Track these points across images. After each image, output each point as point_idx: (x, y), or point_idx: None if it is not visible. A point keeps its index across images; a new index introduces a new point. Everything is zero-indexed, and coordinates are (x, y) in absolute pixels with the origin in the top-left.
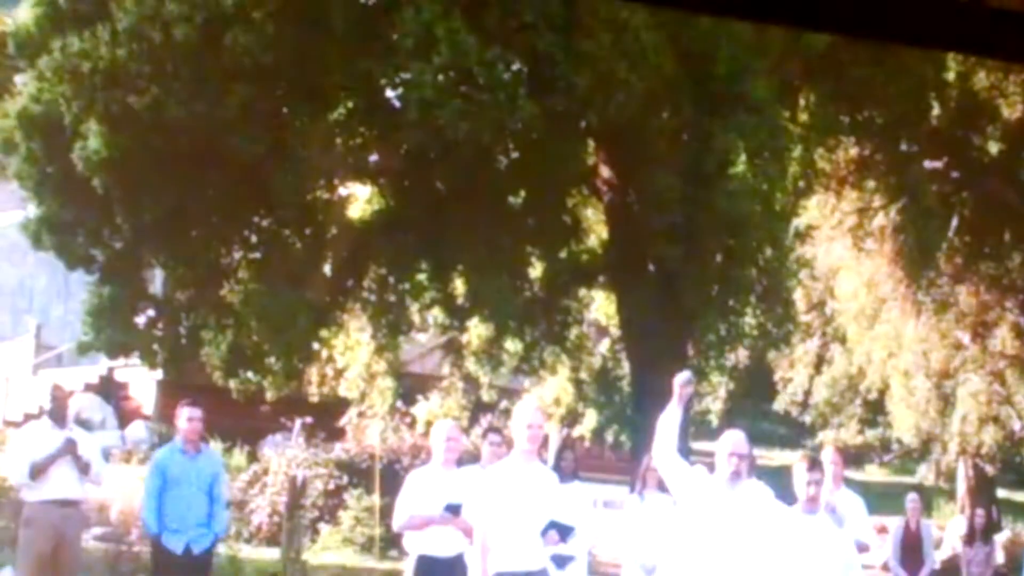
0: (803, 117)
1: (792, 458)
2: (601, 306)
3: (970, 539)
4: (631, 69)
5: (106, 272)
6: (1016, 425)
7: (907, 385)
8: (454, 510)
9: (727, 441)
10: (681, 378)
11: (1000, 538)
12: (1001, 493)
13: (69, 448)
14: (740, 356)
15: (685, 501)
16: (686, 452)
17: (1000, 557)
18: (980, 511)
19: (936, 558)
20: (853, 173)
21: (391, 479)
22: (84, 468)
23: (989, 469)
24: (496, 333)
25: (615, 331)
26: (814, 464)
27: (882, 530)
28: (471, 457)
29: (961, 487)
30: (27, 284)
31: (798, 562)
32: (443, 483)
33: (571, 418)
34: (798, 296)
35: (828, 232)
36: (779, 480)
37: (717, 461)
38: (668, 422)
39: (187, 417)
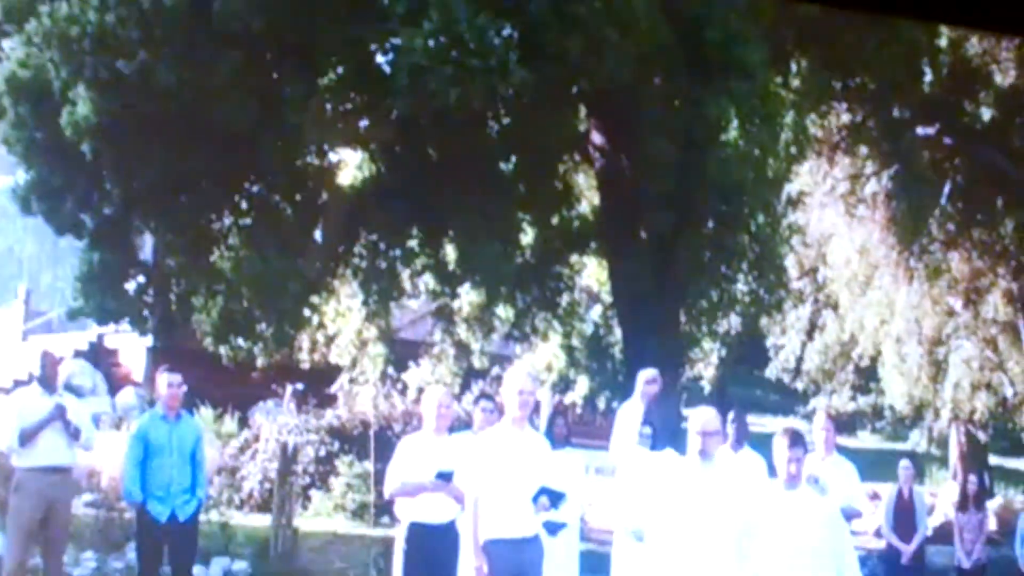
0: (795, 83)
1: (785, 425)
2: (593, 272)
3: (963, 506)
4: (623, 34)
5: (96, 238)
6: (1008, 391)
7: (899, 352)
8: (446, 477)
9: (694, 420)
10: (645, 375)
11: (993, 505)
12: (993, 460)
13: (59, 414)
14: (732, 322)
15: (652, 488)
16: (676, 425)
17: (993, 524)
18: (972, 478)
19: (928, 525)
20: (845, 139)
21: (383, 446)
22: (74, 434)
23: (981, 436)
24: (488, 299)
25: (607, 297)
26: (795, 440)
27: (874, 496)
28: (463, 424)
29: (953, 454)
30: (16, 250)
31: (777, 538)
32: (435, 450)
33: (563, 384)
34: (790, 262)
35: (820, 198)
36: (771, 447)
37: (688, 440)
38: (625, 417)
39: (167, 383)
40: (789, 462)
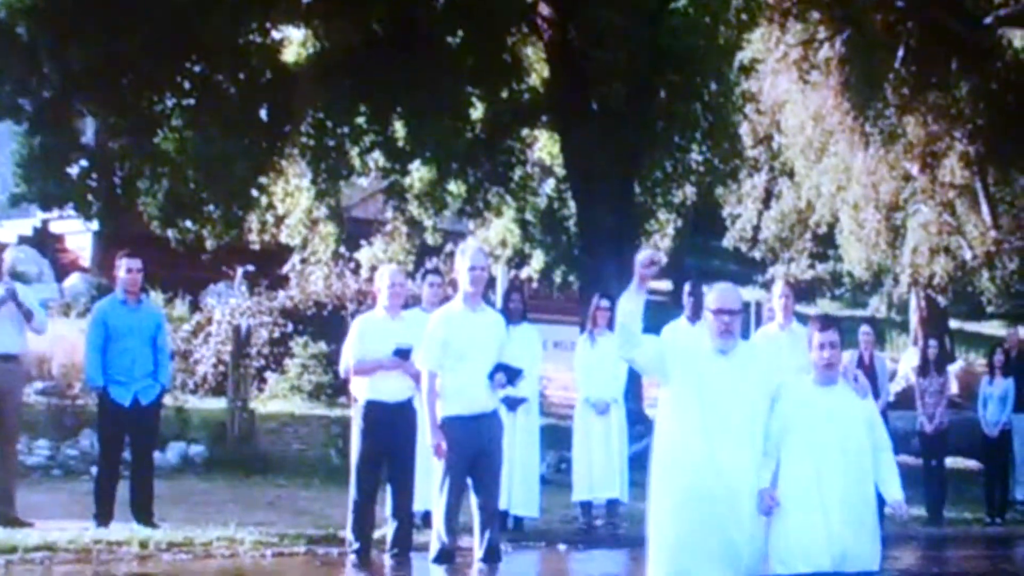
0: None
1: (744, 295)
2: (545, 146)
3: (923, 370)
4: None
5: (35, 122)
6: (967, 255)
7: (857, 218)
8: (403, 354)
9: (714, 298)
10: (643, 258)
11: (954, 368)
12: (953, 324)
13: (10, 296)
14: (687, 192)
15: (671, 376)
16: None
17: (954, 387)
18: (933, 342)
19: (890, 390)
20: (797, 4)
21: (337, 325)
22: (27, 315)
23: (941, 300)
24: (439, 175)
25: (560, 171)
26: (826, 325)
27: None
28: (417, 301)
29: (913, 319)
30: None
31: (811, 439)
32: (390, 328)
33: (518, 259)
34: (744, 131)
35: (773, 65)
36: None
37: (706, 320)
38: (629, 308)
39: (126, 268)
40: (821, 347)
